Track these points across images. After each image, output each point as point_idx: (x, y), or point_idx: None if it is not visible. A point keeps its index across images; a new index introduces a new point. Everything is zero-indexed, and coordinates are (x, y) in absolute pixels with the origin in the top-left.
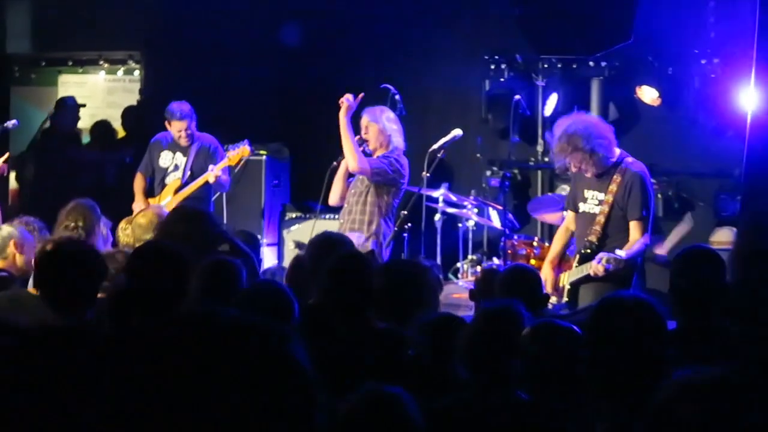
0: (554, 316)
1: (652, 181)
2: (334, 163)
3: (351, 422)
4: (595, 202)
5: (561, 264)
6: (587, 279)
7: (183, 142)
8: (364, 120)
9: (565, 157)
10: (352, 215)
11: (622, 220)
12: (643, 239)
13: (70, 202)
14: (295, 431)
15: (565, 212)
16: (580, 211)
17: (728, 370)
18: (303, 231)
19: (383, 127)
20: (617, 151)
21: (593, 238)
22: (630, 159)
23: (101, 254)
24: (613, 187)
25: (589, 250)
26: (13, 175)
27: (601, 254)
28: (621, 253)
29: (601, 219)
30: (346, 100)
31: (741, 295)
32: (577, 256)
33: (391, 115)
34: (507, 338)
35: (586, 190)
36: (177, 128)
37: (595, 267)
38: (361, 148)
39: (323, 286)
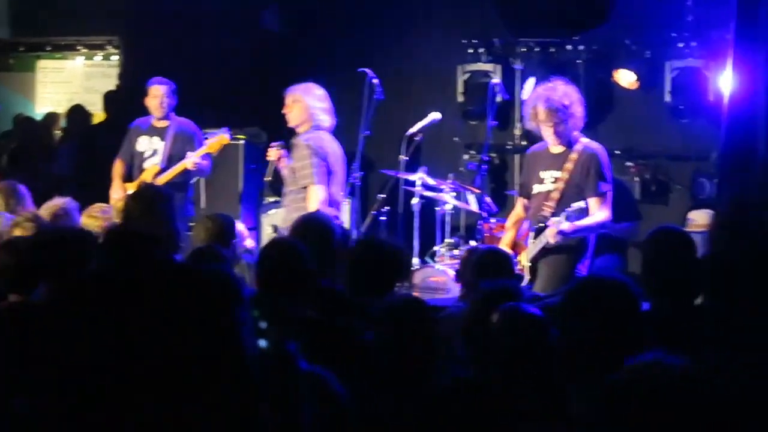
0: (532, 299)
1: (629, 164)
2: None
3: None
4: (551, 180)
5: (516, 249)
6: (545, 252)
7: (156, 111)
8: (289, 98)
9: (536, 123)
10: (291, 213)
11: (577, 198)
12: (604, 215)
13: None
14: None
15: (518, 199)
16: (535, 192)
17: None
18: (281, 215)
19: (305, 105)
20: (576, 132)
21: (547, 213)
22: (586, 139)
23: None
24: (569, 165)
25: (543, 224)
26: None
27: (552, 219)
28: (577, 204)
29: (556, 195)
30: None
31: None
32: (532, 233)
33: (319, 92)
34: None
35: (541, 172)
36: (153, 94)
37: (552, 227)
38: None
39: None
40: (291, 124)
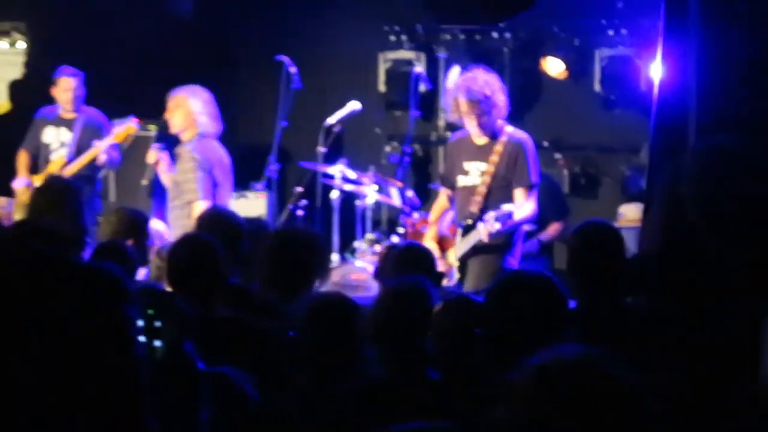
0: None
1: (558, 156)
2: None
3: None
4: (477, 173)
5: (443, 244)
6: (474, 251)
7: (68, 105)
8: (171, 101)
9: (459, 115)
10: (176, 231)
11: (504, 191)
12: (531, 207)
13: None
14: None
15: (441, 190)
16: (460, 185)
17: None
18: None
19: (188, 110)
20: (500, 121)
21: (474, 209)
22: (511, 128)
23: None
24: (494, 158)
25: (470, 221)
26: None
27: (487, 215)
28: (509, 207)
29: (483, 189)
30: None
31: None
32: (460, 230)
33: (205, 95)
34: (414, 315)
35: (465, 163)
36: (65, 87)
37: (484, 228)
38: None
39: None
40: (173, 130)
